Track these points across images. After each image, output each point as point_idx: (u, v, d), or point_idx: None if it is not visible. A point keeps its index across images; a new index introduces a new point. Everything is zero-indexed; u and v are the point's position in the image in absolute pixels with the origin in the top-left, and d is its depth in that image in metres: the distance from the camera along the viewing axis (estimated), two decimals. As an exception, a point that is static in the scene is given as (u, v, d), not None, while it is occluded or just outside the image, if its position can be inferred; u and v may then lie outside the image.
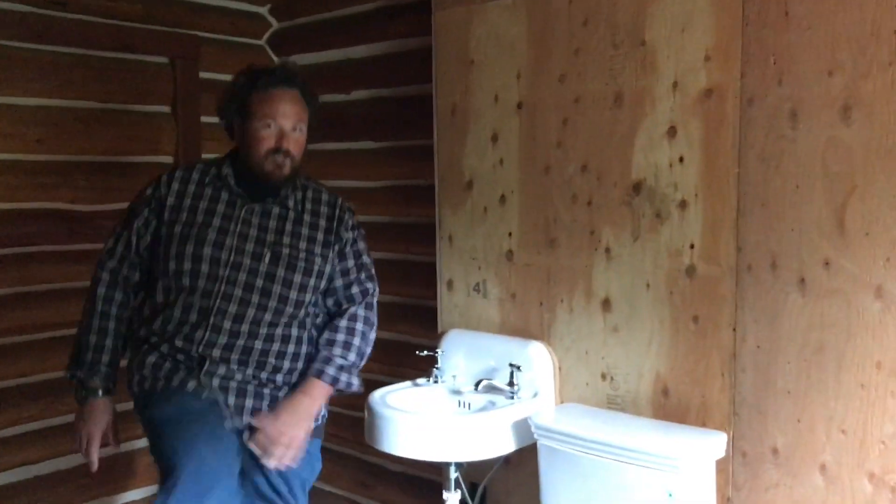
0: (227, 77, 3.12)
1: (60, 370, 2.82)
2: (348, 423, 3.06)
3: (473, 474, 2.49)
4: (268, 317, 2.06)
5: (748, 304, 1.96)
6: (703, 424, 2.04)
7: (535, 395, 2.30)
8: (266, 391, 2.08)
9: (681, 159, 2.04)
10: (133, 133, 3.02)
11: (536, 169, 2.34)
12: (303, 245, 2.12)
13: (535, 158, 2.34)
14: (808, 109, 1.84)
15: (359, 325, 2.17)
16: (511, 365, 2.29)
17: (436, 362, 2.48)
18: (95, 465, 2.07)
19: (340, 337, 2.14)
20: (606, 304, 2.21)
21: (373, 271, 2.26)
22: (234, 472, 2.00)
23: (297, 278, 2.09)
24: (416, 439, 2.18)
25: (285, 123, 2.04)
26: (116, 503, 3.08)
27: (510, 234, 2.43)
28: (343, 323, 2.16)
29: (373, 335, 2.22)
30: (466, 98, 2.51)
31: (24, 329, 2.83)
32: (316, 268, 2.13)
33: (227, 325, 2.02)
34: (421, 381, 2.49)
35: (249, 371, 2.05)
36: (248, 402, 2.05)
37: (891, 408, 1.76)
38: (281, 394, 2.10)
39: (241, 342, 2.04)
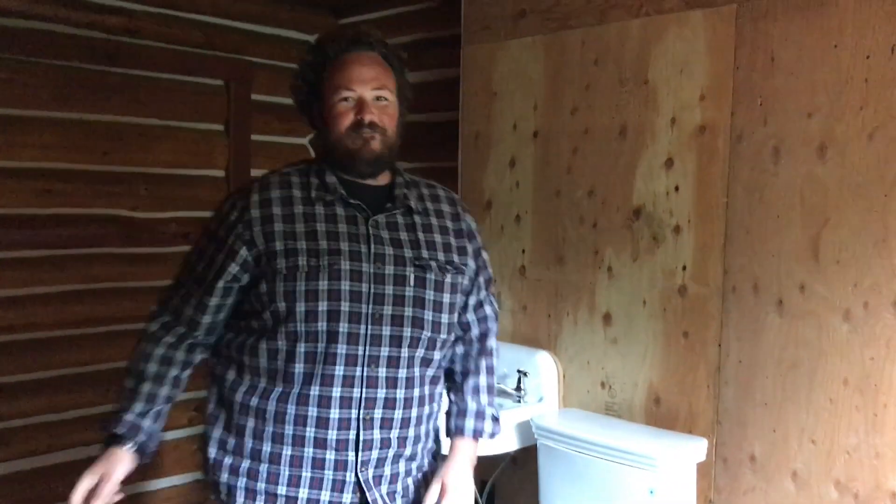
0: (278, 100, 3.44)
1: (117, 360, 3.11)
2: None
3: (483, 472, 2.69)
4: (419, 353, 1.64)
5: (732, 322, 2.14)
6: (690, 431, 2.22)
7: (541, 399, 2.50)
8: (410, 465, 1.70)
9: (676, 188, 2.24)
10: (189, 148, 3.29)
11: (548, 192, 2.56)
12: (441, 256, 1.68)
13: (548, 182, 2.56)
14: (789, 147, 2.03)
15: (495, 361, 1.83)
16: (519, 371, 2.50)
17: (452, 367, 2.68)
18: None
19: (484, 381, 1.79)
20: (607, 318, 2.41)
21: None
22: None
23: (446, 298, 1.68)
24: (429, 434, 2.39)
25: (363, 90, 1.60)
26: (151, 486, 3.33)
27: (523, 251, 2.64)
28: (483, 362, 1.80)
29: None
30: (489, 125, 2.73)
31: (85, 322, 3.08)
32: (459, 281, 1.72)
33: (382, 373, 1.60)
34: (438, 383, 2.70)
35: (406, 433, 1.65)
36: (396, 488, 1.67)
37: (855, 421, 1.92)
38: (414, 465, 1.71)
39: (400, 394, 1.62)
